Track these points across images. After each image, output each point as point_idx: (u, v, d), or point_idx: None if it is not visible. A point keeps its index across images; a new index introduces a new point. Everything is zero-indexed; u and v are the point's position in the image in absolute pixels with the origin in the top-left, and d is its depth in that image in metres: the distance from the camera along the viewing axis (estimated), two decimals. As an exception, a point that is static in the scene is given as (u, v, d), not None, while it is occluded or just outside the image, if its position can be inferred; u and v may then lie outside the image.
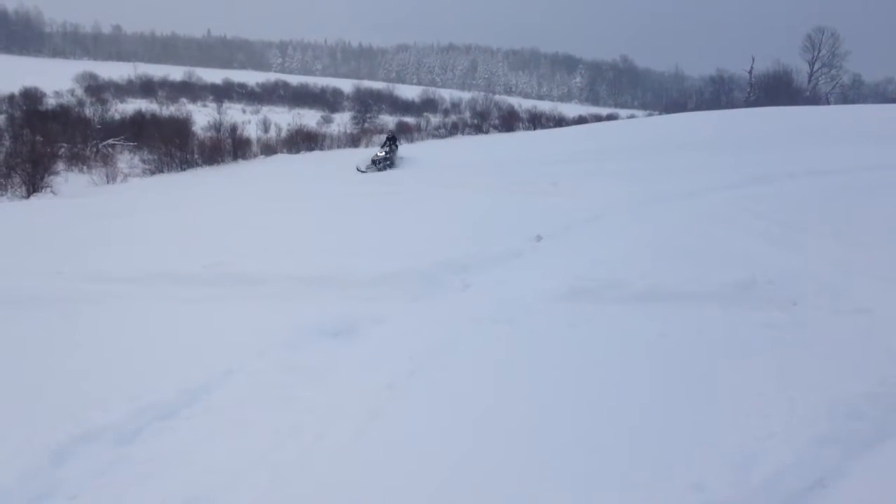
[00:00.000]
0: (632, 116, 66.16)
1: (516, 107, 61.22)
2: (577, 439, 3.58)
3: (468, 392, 4.17)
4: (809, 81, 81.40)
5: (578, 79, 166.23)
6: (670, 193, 11.05)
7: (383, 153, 24.86)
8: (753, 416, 3.73)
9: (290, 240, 8.52)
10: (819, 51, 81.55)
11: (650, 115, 69.99)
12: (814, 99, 73.70)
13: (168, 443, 3.52)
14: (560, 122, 51.22)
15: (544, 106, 65.44)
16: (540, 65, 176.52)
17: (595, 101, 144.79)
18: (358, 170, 24.07)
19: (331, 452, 3.46)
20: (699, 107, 75.11)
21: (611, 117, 63.35)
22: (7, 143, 28.94)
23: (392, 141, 26.17)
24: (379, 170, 23.70)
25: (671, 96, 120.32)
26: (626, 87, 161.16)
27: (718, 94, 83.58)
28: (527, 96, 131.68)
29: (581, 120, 55.55)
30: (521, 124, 49.30)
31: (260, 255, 7.51)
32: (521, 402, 4.03)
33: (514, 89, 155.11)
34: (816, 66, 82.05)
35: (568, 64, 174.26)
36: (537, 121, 49.63)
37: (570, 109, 73.96)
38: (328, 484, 3.20)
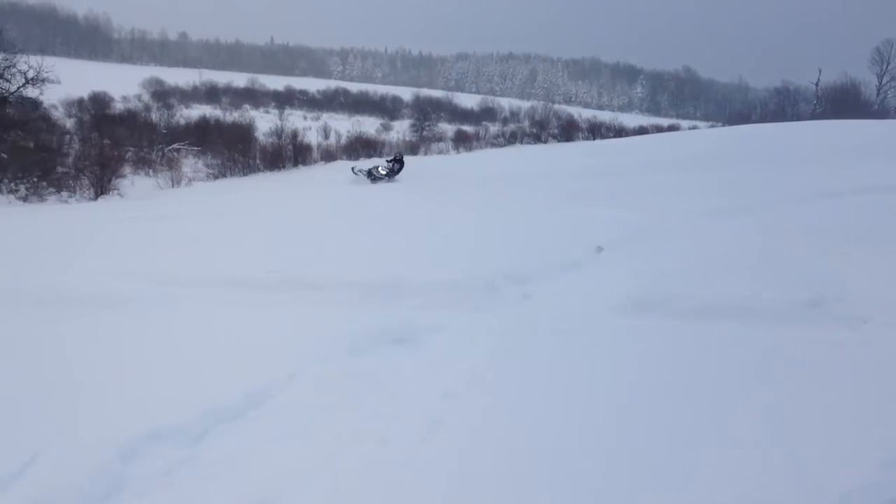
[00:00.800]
0: (694, 127, 65.47)
1: (576, 116, 60.84)
2: (639, 454, 3.53)
3: (530, 404, 4.14)
4: (878, 94, 79.62)
5: (639, 89, 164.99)
6: (735, 207, 10.87)
7: (385, 171, 24.37)
8: (822, 438, 3.64)
9: (350, 246, 8.56)
10: (888, 63, 79.80)
11: (713, 126, 69.13)
12: (882, 112, 72.00)
13: (234, 445, 3.57)
14: (620, 132, 50.85)
15: (604, 116, 65.15)
16: (600, 74, 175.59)
17: (656, 112, 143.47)
18: (353, 170, 24.77)
19: (394, 459, 3.47)
20: (763, 118, 73.78)
21: (672, 128, 62.69)
22: (76, 146, 29.68)
23: (399, 162, 25.44)
24: (371, 181, 23.46)
25: (735, 107, 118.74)
26: (688, 98, 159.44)
27: (783, 105, 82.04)
28: (587, 106, 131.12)
29: (642, 130, 55.03)
30: (580, 134, 49.02)
31: (321, 261, 7.57)
32: (584, 415, 3.99)
33: (573, 99, 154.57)
34: (885, 79, 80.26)
35: (629, 74, 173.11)
36: (597, 131, 49.31)
37: (631, 120, 73.30)
38: (392, 490, 3.21)
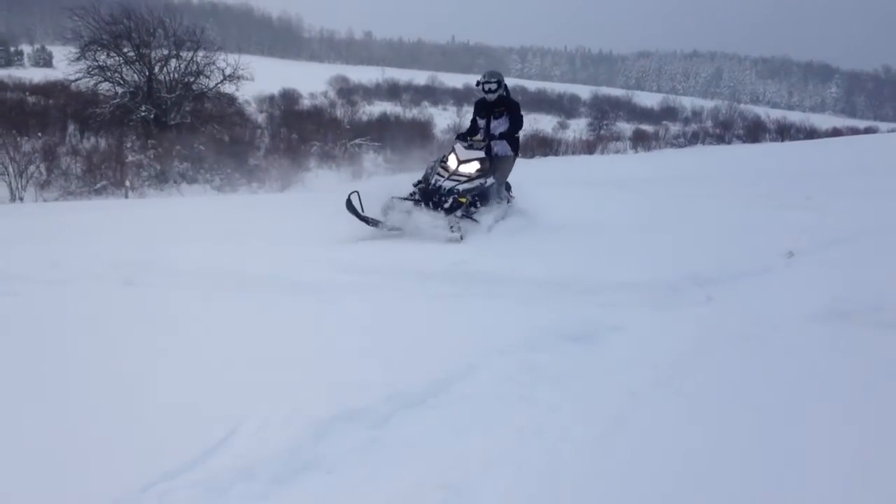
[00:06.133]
0: (894, 131, 61.46)
1: (763, 117, 58.36)
2: (834, 477, 3.29)
3: (718, 408, 3.98)
4: None
5: (834, 89, 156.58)
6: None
7: (475, 167, 9.03)
8: None
9: (526, 243, 8.52)
10: None
11: (913, 129, 64.79)
12: None
13: (417, 430, 3.63)
14: (811, 134, 48.35)
15: (794, 117, 62.15)
16: (791, 73, 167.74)
17: (851, 113, 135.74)
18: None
19: (575, 454, 3.42)
20: (973, 122, 68.30)
21: (869, 131, 59.11)
22: (266, 140, 31.24)
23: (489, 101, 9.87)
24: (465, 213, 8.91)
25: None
26: (887, 99, 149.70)
27: None
28: (775, 106, 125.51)
29: (835, 132, 52.15)
30: (767, 135, 47.00)
31: (499, 256, 7.59)
32: (774, 424, 3.79)
33: (761, 98, 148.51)
34: None
35: (822, 73, 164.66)
36: (786, 132, 47.09)
37: (823, 121, 69.58)
38: (573, 485, 3.17)
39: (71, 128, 29.27)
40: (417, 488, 3.09)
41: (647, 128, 55.83)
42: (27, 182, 20.98)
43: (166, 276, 6.45)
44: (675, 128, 57.87)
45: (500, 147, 9.79)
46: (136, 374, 4.18)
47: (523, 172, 23.69)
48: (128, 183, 22.19)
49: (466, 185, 8.90)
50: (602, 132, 51.42)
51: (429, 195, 8.90)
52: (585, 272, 6.84)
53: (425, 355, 4.61)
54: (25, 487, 3.02)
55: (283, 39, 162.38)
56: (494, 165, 9.49)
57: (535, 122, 50.18)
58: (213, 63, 30.71)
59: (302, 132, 32.92)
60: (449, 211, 8.60)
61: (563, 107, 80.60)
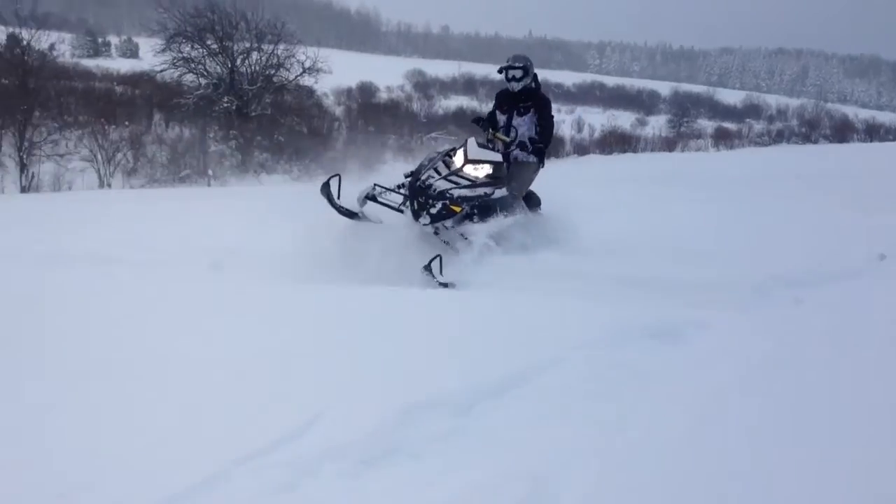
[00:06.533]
0: None
1: (851, 116, 56.76)
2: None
3: (805, 411, 3.86)
4: None
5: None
6: None
7: (485, 172, 7.24)
8: None
9: (606, 237, 8.44)
10: None
11: None
12: None
13: (499, 419, 3.62)
14: (902, 134, 46.87)
15: (884, 117, 60.30)
16: (880, 72, 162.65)
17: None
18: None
19: (660, 450, 3.37)
20: None
21: (965, 131, 56.98)
22: (344, 133, 31.62)
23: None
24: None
25: None
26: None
27: None
28: (864, 106, 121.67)
29: (926, 133, 50.42)
30: (855, 135, 45.70)
31: (581, 252, 7.54)
32: (863, 429, 3.67)
33: (848, 98, 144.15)
34: None
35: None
36: (875, 132, 45.67)
37: (914, 122, 67.32)
38: (659, 480, 3.13)
39: (156, 117, 30.14)
40: (503, 476, 3.08)
41: (730, 125, 54.84)
42: (115, 169, 21.65)
43: (252, 261, 6.59)
44: (758, 126, 56.77)
45: (519, 151, 8.01)
46: (226, 356, 4.25)
47: (599, 169, 23.43)
48: (210, 171, 22.72)
49: (464, 192, 7.15)
50: (682, 129, 50.66)
51: (415, 193, 7.21)
52: (665, 269, 6.78)
53: (505, 347, 4.59)
54: (129, 456, 3.11)
55: (361, 33, 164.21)
56: (511, 172, 7.72)
57: (614, 119, 49.68)
58: (293, 56, 31.16)
59: (378, 125, 33.25)
60: (435, 218, 7.12)
61: (643, 103, 79.64)
